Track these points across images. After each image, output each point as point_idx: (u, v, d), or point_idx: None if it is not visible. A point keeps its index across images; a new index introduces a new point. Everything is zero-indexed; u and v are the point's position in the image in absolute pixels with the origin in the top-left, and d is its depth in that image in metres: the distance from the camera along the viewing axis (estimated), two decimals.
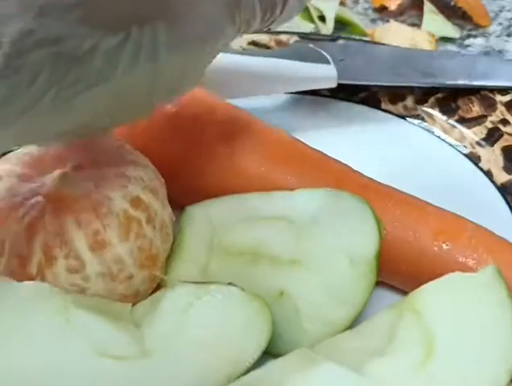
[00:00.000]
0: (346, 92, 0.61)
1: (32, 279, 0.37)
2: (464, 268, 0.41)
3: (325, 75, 0.58)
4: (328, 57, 0.59)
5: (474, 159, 0.54)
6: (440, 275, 0.41)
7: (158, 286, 0.42)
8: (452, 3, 0.70)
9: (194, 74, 0.37)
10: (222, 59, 0.45)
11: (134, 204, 0.39)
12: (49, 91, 0.28)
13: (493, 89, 0.59)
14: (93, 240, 0.38)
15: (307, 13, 0.73)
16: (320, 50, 0.60)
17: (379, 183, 0.46)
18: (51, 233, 0.37)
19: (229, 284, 0.38)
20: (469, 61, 0.64)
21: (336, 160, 0.47)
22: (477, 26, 0.74)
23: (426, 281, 0.40)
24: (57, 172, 0.39)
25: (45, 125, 0.31)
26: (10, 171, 0.40)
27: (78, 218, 0.38)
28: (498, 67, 0.62)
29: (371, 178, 0.46)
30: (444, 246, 0.42)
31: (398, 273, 0.43)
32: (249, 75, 0.55)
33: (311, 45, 0.62)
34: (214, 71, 0.50)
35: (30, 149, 0.42)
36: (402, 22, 0.76)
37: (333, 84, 0.57)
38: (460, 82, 0.60)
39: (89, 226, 0.38)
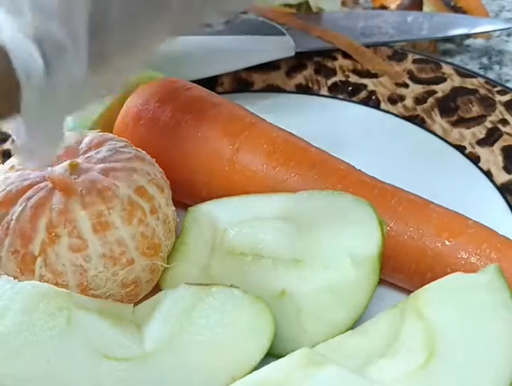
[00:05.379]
0: (346, 92, 0.61)
1: (34, 259, 0.38)
2: (468, 265, 0.41)
3: (283, 45, 0.61)
4: (281, 28, 0.62)
5: (474, 159, 0.54)
6: (444, 271, 0.41)
7: (159, 288, 0.42)
8: (452, 3, 0.70)
9: None
10: (177, 42, 0.46)
11: (138, 193, 0.41)
12: None
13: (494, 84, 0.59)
14: (97, 221, 0.39)
15: (310, 11, 0.72)
16: (270, 22, 0.64)
17: (382, 181, 0.46)
18: (57, 212, 0.39)
19: (231, 286, 0.38)
20: (400, 18, 0.67)
21: (339, 159, 0.47)
22: None
23: (429, 278, 0.41)
24: (67, 162, 0.41)
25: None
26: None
27: (83, 199, 0.39)
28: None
29: (373, 177, 0.46)
30: (447, 242, 0.42)
31: (400, 269, 0.43)
32: (211, 54, 0.55)
33: (261, 18, 0.65)
34: (172, 54, 0.51)
35: None
36: None
37: (291, 53, 0.61)
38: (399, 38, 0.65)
39: (94, 207, 0.39)
